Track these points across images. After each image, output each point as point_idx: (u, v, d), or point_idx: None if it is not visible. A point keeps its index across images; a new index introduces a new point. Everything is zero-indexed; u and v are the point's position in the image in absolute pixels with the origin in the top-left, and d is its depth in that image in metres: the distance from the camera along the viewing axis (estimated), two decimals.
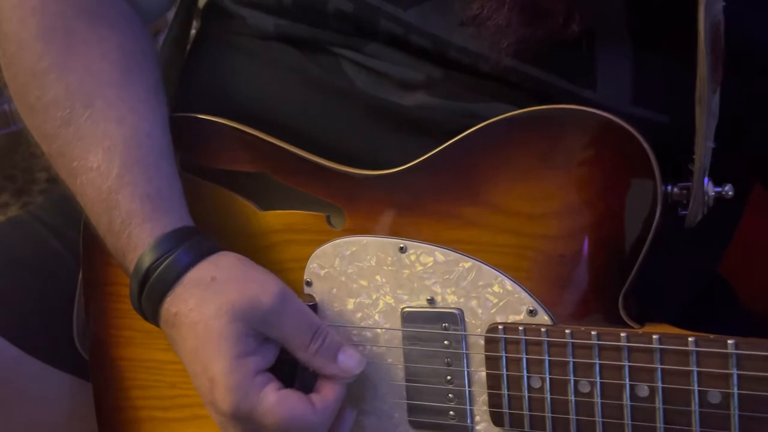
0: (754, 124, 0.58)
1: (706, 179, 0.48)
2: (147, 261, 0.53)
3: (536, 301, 0.51)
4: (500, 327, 0.51)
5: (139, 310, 0.55)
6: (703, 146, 0.47)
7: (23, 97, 0.58)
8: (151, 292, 0.53)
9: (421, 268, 0.54)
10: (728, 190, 0.48)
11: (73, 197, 0.57)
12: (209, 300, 0.51)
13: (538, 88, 0.54)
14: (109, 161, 0.55)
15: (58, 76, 0.56)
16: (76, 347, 0.72)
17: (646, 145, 0.47)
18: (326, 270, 0.57)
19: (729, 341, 0.44)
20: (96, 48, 0.58)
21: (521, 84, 0.54)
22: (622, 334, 0.47)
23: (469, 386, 0.53)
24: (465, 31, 0.53)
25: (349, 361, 0.53)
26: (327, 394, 0.52)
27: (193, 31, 0.76)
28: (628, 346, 0.47)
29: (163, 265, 0.52)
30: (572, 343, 0.49)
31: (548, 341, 0.49)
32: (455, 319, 0.53)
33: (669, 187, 0.48)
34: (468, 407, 0.53)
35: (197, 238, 0.54)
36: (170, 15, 0.76)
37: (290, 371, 0.54)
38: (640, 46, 0.53)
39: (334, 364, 0.52)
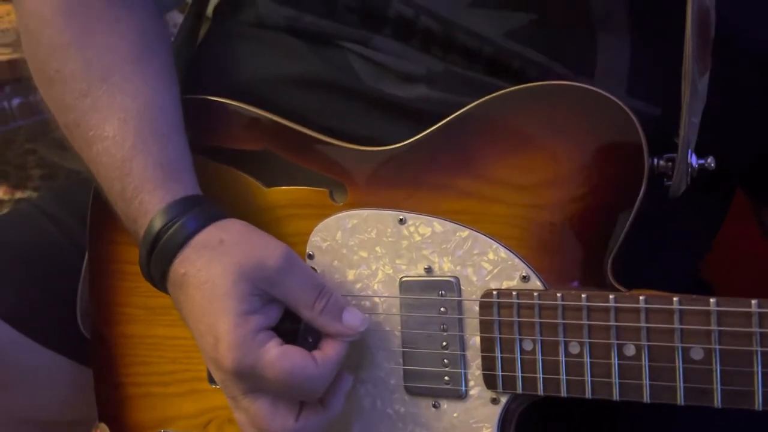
0: (737, 128, 0.61)
1: (689, 151, 0.51)
2: (157, 225, 0.55)
3: (529, 267, 0.53)
4: (494, 292, 0.54)
5: (147, 275, 0.57)
6: (688, 119, 0.50)
7: (42, 70, 0.61)
8: (161, 255, 0.55)
9: (420, 238, 0.57)
10: (710, 162, 0.51)
11: (87, 167, 0.60)
12: (217, 260, 0.53)
13: (539, 76, 0.57)
14: (124, 131, 0.57)
15: (78, 51, 0.59)
16: (76, 332, 0.74)
17: (633, 117, 0.50)
18: (328, 243, 0.60)
19: (711, 299, 0.47)
20: (113, 26, 0.61)
21: (523, 70, 0.57)
22: (610, 296, 0.50)
23: (464, 351, 0.55)
24: (473, 13, 0.57)
25: (353, 319, 0.55)
26: (328, 351, 0.53)
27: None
28: (616, 307, 0.49)
29: (173, 228, 0.54)
30: (563, 305, 0.51)
31: (540, 304, 0.52)
32: (451, 286, 0.55)
33: (655, 160, 0.51)
34: (462, 371, 0.55)
35: (206, 205, 0.56)
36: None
37: (291, 339, 0.56)
38: (639, 38, 0.57)
39: (339, 323, 0.54)
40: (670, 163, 0.51)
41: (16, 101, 1.27)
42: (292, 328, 0.57)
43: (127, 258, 0.69)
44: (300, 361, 0.52)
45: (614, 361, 0.50)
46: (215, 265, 0.53)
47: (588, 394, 0.51)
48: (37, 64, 0.61)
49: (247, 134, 0.64)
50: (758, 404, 0.46)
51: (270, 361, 0.51)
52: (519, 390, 0.53)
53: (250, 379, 0.53)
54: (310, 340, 0.57)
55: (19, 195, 1.50)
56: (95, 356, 0.72)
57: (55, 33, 0.60)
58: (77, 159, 0.61)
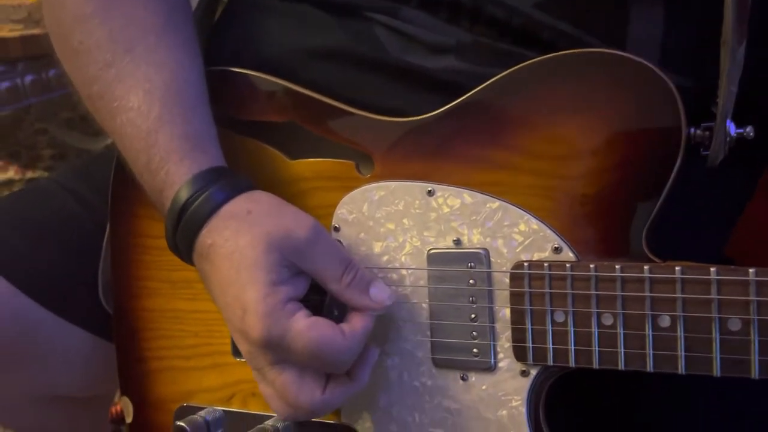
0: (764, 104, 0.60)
1: (728, 120, 0.50)
2: (184, 195, 0.54)
3: (561, 238, 0.52)
4: (525, 264, 0.53)
5: (174, 247, 0.57)
6: (726, 88, 0.49)
7: (66, 41, 0.60)
8: (188, 226, 0.54)
9: (448, 210, 0.56)
10: (749, 131, 0.51)
11: (112, 138, 0.59)
12: (245, 231, 0.52)
13: (569, 47, 0.56)
14: (150, 102, 0.57)
15: (102, 22, 0.59)
16: (98, 307, 0.74)
17: (671, 86, 0.49)
18: (354, 215, 0.59)
19: (750, 270, 0.46)
20: None
21: (553, 42, 0.56)
22: (645, 267, 0.49)
23: (493, 323, 0.54)
24: None
25: (380, 293, 0.54)
26: (355, 324, 0.53)
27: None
28: (651, 278, 0.49)
29: (200, 199, 0.54)
30: (596, 276, 0.50)
31: (572, 275, 0.51)
32: (481, 258, 0.55)
33: (692, 129, 0.50)
34: (492, 343, 0.55)
35: (233, 176, 0.56)
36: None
37: (317, 313, 0.55)
38: (672, 9, 0.55)
39: (366, 296, 0.54)
40: (707, 133, 0.50)
41: (28, 78, 1.26)
42: (318, 302, 0.57)
43: (149, 232, 0.68)
44: (329, 332, 0.51)
45: (648, 332, 0.49)
46: (243, 235, 0.52)
47: (621, 366, 0.50)
48: (60, 36, 0.61)
49: (271, 106, 0.64)
50: None
51: (299, 331, 0.51)
52: (550, 362, 0.52)
53: (277, 350, 0.52)
54: (336, 314, 0.57)
55: (30, 175, 1.49)
56: (117, 330, 0.72)
57: (79, 3, 0.59)
58: (90, 138, 0.61)
